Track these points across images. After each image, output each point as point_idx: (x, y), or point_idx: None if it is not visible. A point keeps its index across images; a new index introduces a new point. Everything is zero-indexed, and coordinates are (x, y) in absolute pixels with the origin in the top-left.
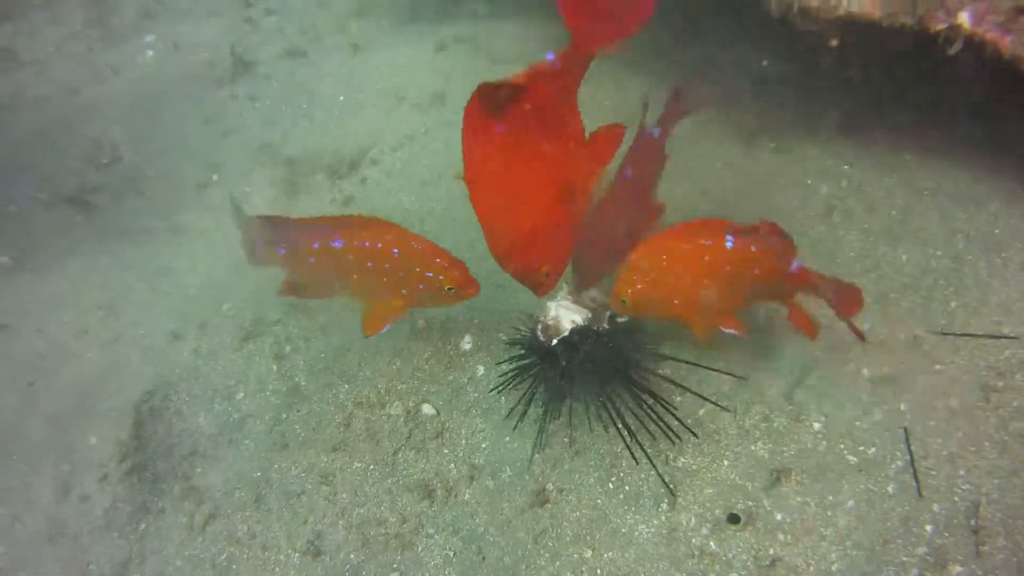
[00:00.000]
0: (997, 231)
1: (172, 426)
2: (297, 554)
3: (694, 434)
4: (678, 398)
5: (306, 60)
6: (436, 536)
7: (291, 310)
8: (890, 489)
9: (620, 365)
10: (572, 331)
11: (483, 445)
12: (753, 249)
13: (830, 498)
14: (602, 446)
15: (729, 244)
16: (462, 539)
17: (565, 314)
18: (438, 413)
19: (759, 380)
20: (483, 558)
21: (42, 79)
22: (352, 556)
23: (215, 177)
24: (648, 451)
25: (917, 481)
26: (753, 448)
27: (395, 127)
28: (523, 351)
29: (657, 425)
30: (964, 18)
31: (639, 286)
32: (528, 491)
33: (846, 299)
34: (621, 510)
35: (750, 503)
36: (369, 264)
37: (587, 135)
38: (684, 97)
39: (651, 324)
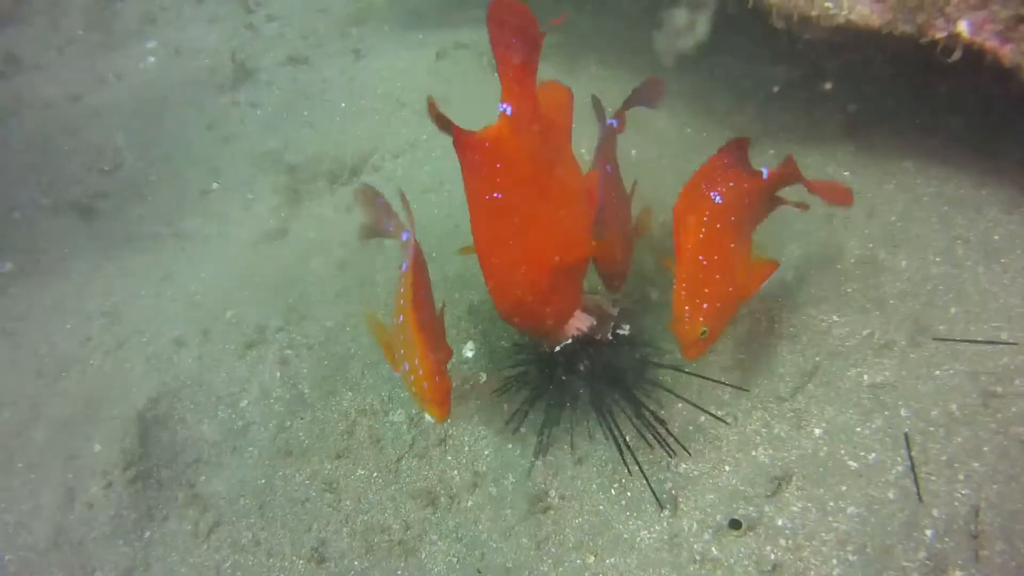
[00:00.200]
0: (997, 237)
1: (176, 433)
2: (301, 561)
3: (687, 451)
4: (679, 406)
5: (307, 66)
6: (439, 543)
7: (294, 317)
8: (891, 494)
9: (620, 375)
10: (575, 339)
11: (486, 452)
12: (731, 184)
13: (831, 503)
14: (604, 453)
15: (717, 200)
16: (465, 545)
17: (572, 325)
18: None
19: (760, 386)
20: (486, 564)
21: (44, 84)
22: (356, 563)
23: (215, 185)
24: (645, 459)
25: (917, 486)
26: (754, 454)
27: (396, 133)
28: (526, 357)
29: (654, 437)
30: (963, 27)
31: (706, 311)
32: (530, 498)
33: (835, 190)
34: (623, 516)
35: (751, 509)
36: (394, 320)
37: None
38: (639, 94)
39: (653, 335)
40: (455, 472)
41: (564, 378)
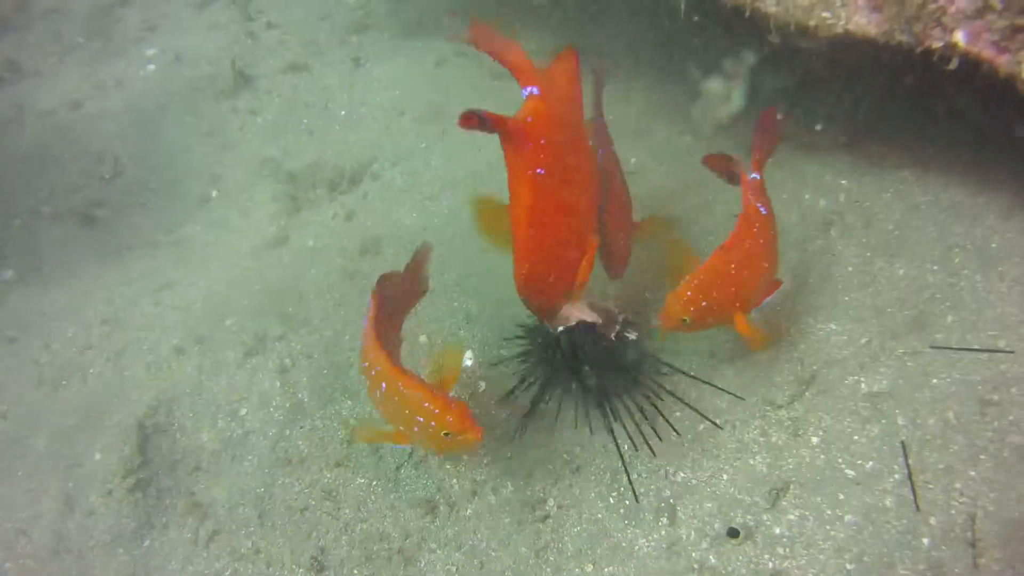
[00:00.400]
0: (994, 245)
1: (176, 442)
2: (301, 569)
3: (676, 431)
4: (677, 414)
5: (307, 74)
6: (439, 551)
7: (294, 326)
8: (888, 502)
9: (617, 364)
10: (579, 325)
11: (485, 460)
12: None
13: (828, 512)
14: (602, 462)
15: (763, 211)
16: (464, 554)
17: (577, 313)
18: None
19: (758, 394)
20: (485, 573)
21: (45, 92)
22: (355, 571)
23: (215, 193)
24: (644, 467)
25: (914, 494)
26: (752, 462)
27: (395, 141)
28: (528, 336)
29: (643, 425)
30: (960, 37)
31: (704, 303)
32: (529, 506)
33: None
34: (621, 525)
35: (749, 517)
36: (377, 393)
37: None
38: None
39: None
40: (454, 481)
41: (562, 355)
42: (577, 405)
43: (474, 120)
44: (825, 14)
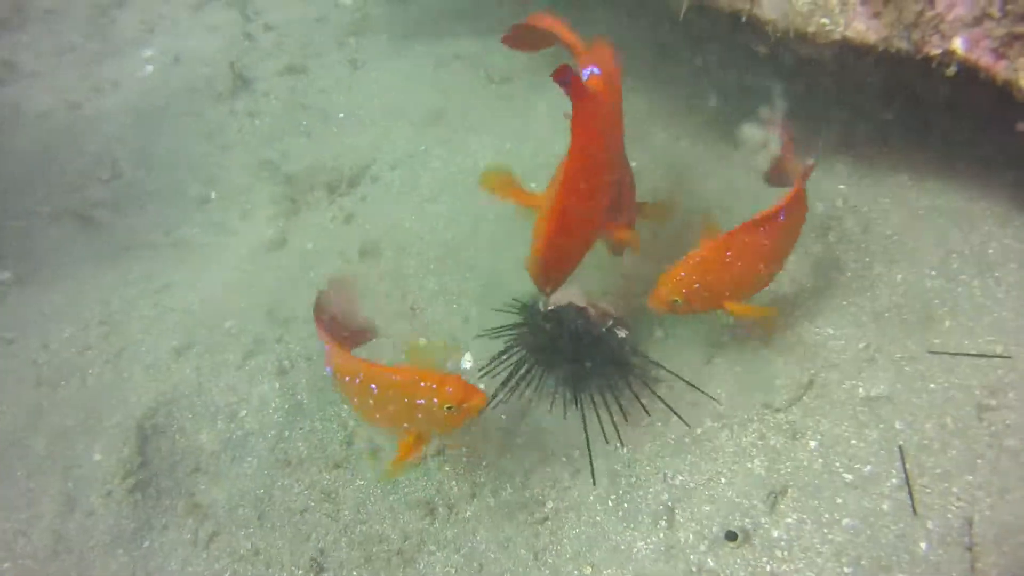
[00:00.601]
0: (991, 251)
1: (175, 443)
2: (300, 571)
3: (647, 411)
4: (673, 419)
5: (305, 76)
6: (438, 553)
7: (293, 328)
8: (885, 506)
9: (602, 355)
10: (570, 307)
11: (484, 462)
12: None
13: (826, 515)
14: (601, 464)
15: (782, 216)
16: (464, 556)
17: (569, 297)
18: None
19: (756, 398)
20: (484, 575)
21: (43, 92)
22: (355, 573)
23: (213, 195)
24: (642, 470)
25: (912, 499)
26: (750, 466)
27: (394, 144)
28: (518, 312)
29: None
30: (958, 44)
31: (696, 286)
32: (528, 508)
33: None
34: (620, 527)
35: (747, 520)
36: (369, 401)
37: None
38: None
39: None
40: (453, 482)
41: (548, 332)
42: (558, 392)
43: (565, 76)
44: (824, 20)
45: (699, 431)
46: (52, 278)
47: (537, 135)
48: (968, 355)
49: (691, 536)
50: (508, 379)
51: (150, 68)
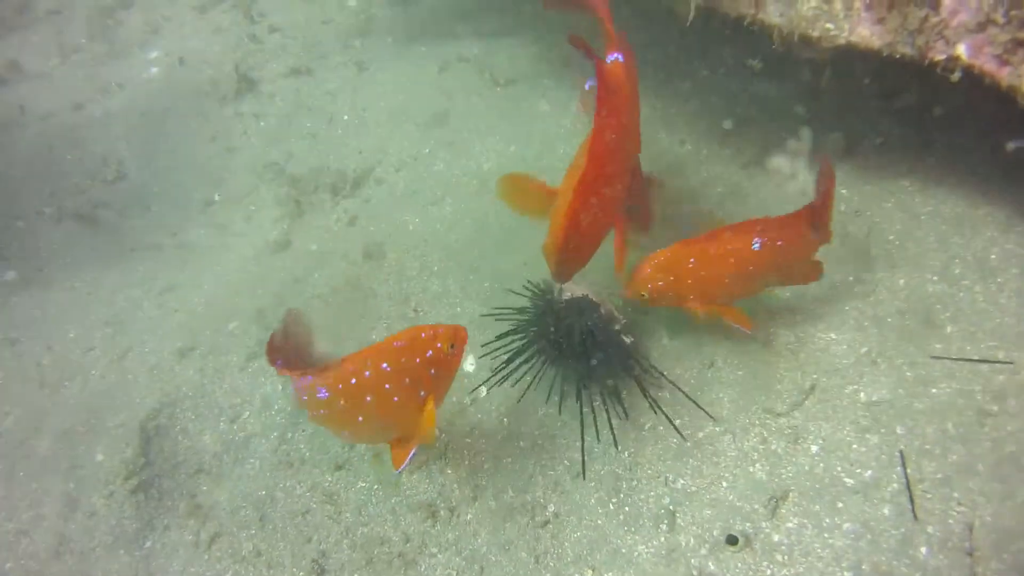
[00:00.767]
0: (993, 257)
1: (178, 444)
2: (302, 573)
3: (625, 413)
4: (677, 422)
5: (310, 78)
6: (439, 555)
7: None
8: (886, 511)
9: (608, 344)
10: (585, 299)
11: (486, 465)
12: (780, 244)
13: (827, 520)
14: (602, 467)
15: (756, 246)
16: (465, 559)
17: (583, 289)
18: (441, 433)
19: (758, 402)
20: None
21: (48, 93)
22: (356, 575)
23: (217, 196)
24: (644, 473)
25: (912, 504)
26: (751, 470)
27: (398, 146)
28: (532, 299)
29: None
30: (962, 50)
31: (660, 283)
32: (530, 512)
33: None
34: (621, 531)
35: (748, 524)
36: (367, 399)
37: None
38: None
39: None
40: (455, 485)
41: (558, 318)
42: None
43: (589, 53)
44: (828, 25)
45: (701, 435)
46: (57, 279)
47: (541, 138)
48: (970, 360)
49: (692, 540)
50: (509, 362)
51: (155, 69)
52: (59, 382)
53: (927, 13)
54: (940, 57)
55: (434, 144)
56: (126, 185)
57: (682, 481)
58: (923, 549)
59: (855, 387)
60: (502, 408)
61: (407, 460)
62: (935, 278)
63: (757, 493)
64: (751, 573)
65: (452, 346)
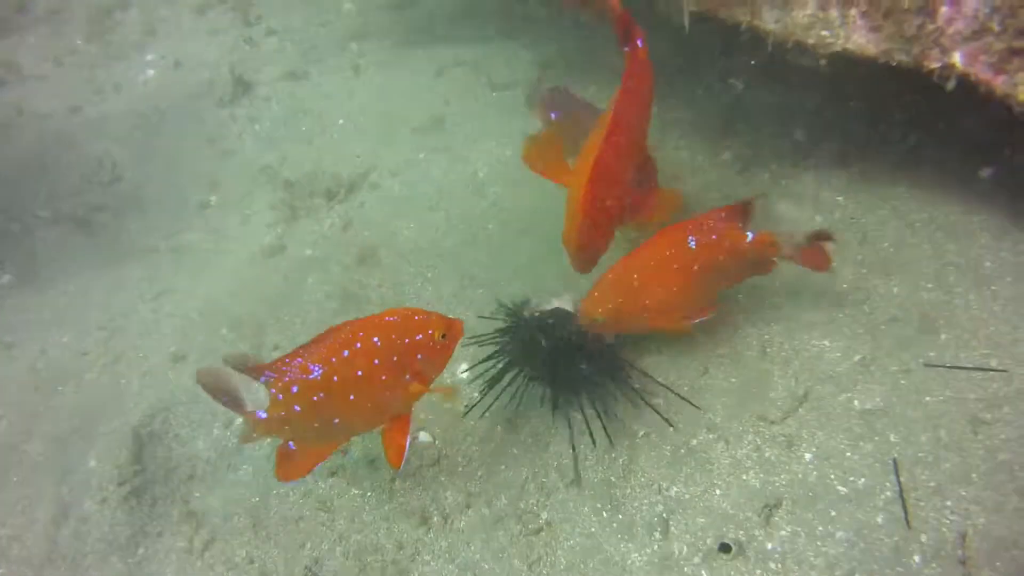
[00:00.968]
0: (987, 264)
1: (171, 450)
2: None
3: (670, 424)
4: (670, 430)
5: (306, 81)
6: (432, 563)
7: (291, 335)
8: (879, 519)
9: (584, 349)
10: (557, 311)
11: (479, 473)
12: (714, 237)
13: (820, 528)
14: (595, 475)
15: (692, 244)
16: (458, 566)
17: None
18: (435, 441)
19: (751, 410)
20: None
21: (44, 95)
22: None
23: (213, 200)
24: (636, 481)
25: (906, 512)
26: (745, 478)
27: (394, 151)
28: (509, 316)
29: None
30: (957, 58)
31: (610, 305)
32: (523, 519)
33: (813, 258)
34: (614, 539)
35: (741, 532)
36: (360, 372)
37: None
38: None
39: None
40: (448, 493)
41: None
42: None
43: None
44: (824, 32)
45: (694, 442)
46: (52, 282)
47: None
48: (964, 368)
49: (685, 548)
50: (494, 382)
51: (152, 72)
52: (53, 386)
53: (923, 21)
54: (935, 65)
55: (430, 149)
56: (122, 188)
57: (676, 489)
58: (916, 558)
59: (849, 395)
60: (496, 416)
61: (406, 453)
62: (929, 285)
63: (750, 501)
64: None
65: (443, 336)
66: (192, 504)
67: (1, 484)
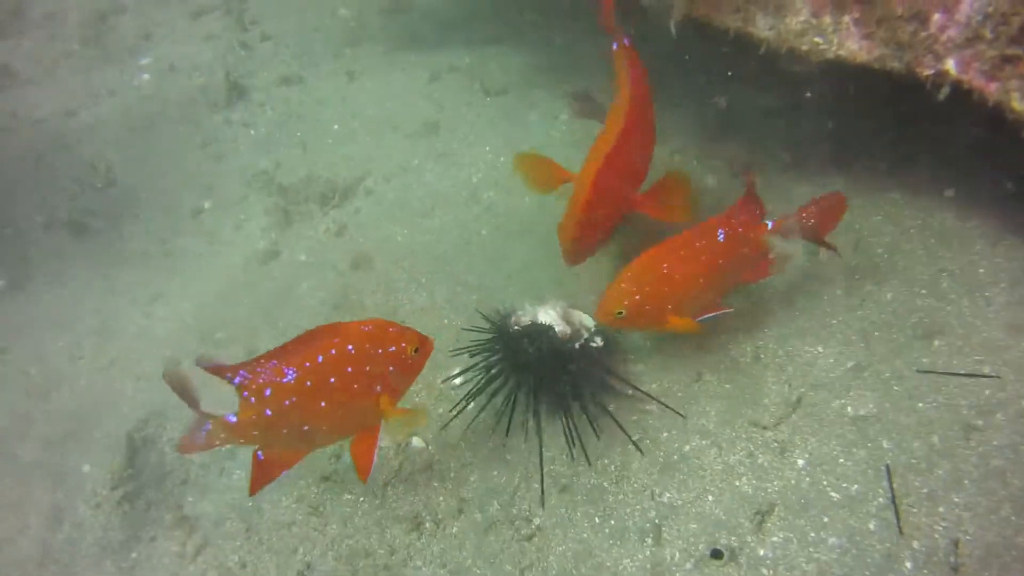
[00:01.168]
0: (981, 270)
1: (165, 455)
2: None
3: (639, 449)
4: (664, 435)
5: (301, 86)
6: (424, 568)
7: (283, 339)
8: (871, 526)
9: (566, 361)
10: (539, 323)
11: (471, 478)
12: (740, 231)
13: (812, 534)
14: (587, 481)
15: (721, 237)
16: (450, 571)
17: (544, 315)
18: (427, 446)
19: (744, 415)
20: None
21: (39, 99)
22: None
23: (207, 204)
24: (629, 487)
25: (898, 518)
26: (737, 484)
27: (388, 156)
28: (491, 329)
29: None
30: (951, 64)
31: (637, 296)
32: (515, 525)
33: (827, 216)
34: (606, 544)
35: (733, 539)
36: (332, 379)
37: None
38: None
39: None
40: (441, 498)
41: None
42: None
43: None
44: (817, 39)
45: (687, 448)
46: (45, 286)
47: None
48: (957, 375)
49: (677, 554)
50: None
51: (146, 76)
52: (47, 391)
53: (916, 28)
54: (929, 72)
55: (424, 154)
56: (116, 192)
57: (668, 495)
58: (908, 564)
59: (842, 401)
60: (488, 422)
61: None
62: (923, 291)
63: (743, 507)
64: None
65: (416, 350)
66: (185, 509)
67: None
